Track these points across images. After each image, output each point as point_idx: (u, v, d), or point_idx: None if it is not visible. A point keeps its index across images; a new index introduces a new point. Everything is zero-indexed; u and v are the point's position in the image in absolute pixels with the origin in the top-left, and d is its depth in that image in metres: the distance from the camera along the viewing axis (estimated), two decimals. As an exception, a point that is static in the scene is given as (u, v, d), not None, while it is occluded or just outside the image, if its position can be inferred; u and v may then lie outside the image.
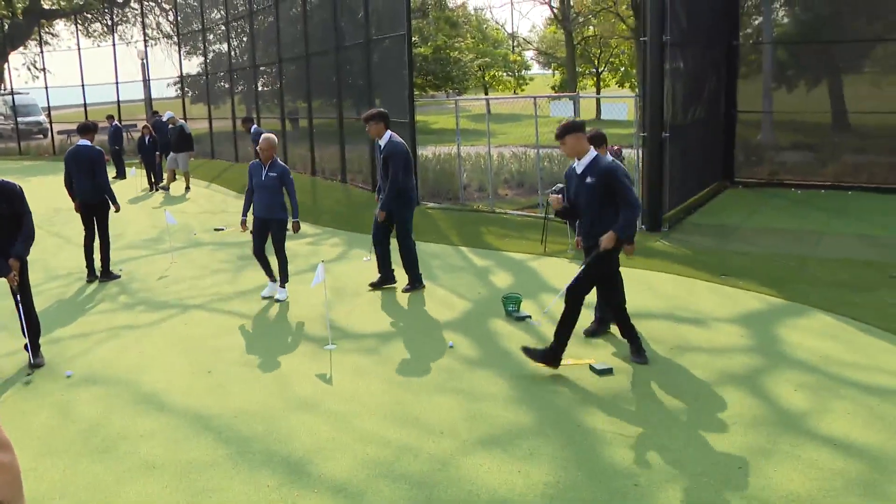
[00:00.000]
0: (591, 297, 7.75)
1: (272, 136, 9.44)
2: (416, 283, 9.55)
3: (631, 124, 13.09)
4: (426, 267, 10.30)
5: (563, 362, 6.77)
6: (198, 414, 6.19)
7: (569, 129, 6.68)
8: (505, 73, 59.27)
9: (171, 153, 20.72)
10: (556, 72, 59.43)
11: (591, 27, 52.50)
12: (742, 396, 6.08)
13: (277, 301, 9.39)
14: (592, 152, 6.72)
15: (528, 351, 6.74)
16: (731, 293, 8.79)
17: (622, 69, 53.54)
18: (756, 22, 16.91)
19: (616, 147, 16.11)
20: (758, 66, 16.55)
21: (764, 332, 7.54)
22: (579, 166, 6.72)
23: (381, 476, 5.06)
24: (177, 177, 21.54)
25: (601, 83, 56.12)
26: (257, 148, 9.47)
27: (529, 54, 65.90)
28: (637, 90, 16.00)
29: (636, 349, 6.95)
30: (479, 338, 7.68)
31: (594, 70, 55.80)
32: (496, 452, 5.31)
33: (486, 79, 56.96)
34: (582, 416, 5.84)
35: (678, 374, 6.57)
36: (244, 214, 9.59)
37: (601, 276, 6.83)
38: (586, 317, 7.72)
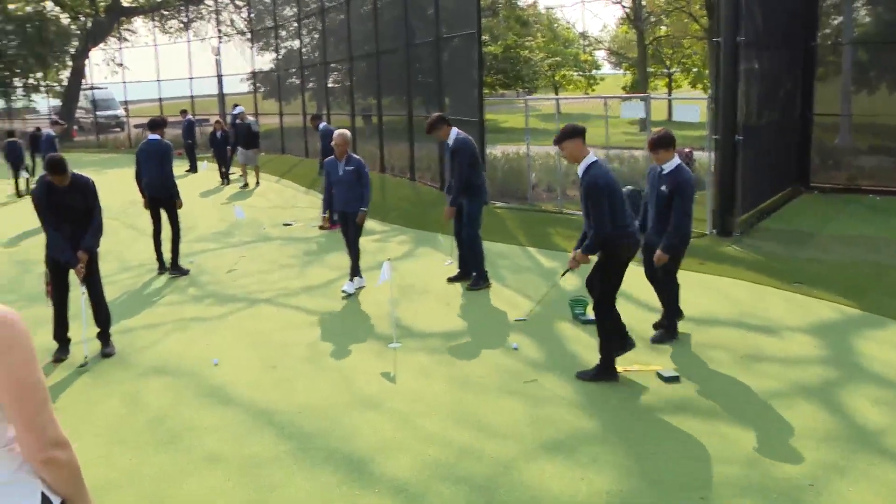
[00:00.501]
0: (657, 303, 7.63)
1: (346, 131, 9.58)
2: (480, 281, 9.54)
3: (703, 126, 12.82)
4: (493, 267, 10.25)
5: (629, 368, 6.67)
6: (262, 408, 6.24)
7: (568, 134, 6.51)
8: (575, 73, 58.84)
9: (240, 148, 20.77)
10: (627, 72, 58.78)
11: (663, 27, 51.80)
12: (815, 410, 5.89)
13: (344, 292, 9.46)
14: (591, 157, 6.48)
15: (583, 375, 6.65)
16: (805, 302, 8.56)
17: (695, 70, 52.71)
18: (835, 22, 16.45)
19: (687, 150, 15.88)
20: (836, 68, 16.07)
21: (839, 343, 7.31)
22: (579, 170, 6.51)
23: (442, 477, 5.03)
24: (244, 171, 21.57)
25: (673, 84, 55.35)
26: (332, 144, 9.55)
27: (600, 54, 65.30)
28: (709, 92, 15.72)
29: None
30: (544, 340, 7.60)
31: (666, 71, 55.07)
32: (559, 458, 5.23)
33: (556, 78, 56.61)
34: (647, 424, 5.73)
35: (748, 384, 6.40)
36: (325, 211, 9.76)
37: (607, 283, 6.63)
38: (651, 323, 7.60)
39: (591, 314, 8.12)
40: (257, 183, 20.92)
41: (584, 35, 66.02)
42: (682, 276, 7.70)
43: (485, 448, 5.41)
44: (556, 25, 63.03)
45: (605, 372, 6.56)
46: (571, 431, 5.63)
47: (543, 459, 5.22)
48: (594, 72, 61.26)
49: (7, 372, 2.14)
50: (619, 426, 5.69)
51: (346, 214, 9.56)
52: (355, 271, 9.67)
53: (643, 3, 47.60)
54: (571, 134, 6.51)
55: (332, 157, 9.59)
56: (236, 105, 22.79)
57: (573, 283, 9.63)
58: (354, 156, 9.53)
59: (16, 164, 20.61)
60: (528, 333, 7.78)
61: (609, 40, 67.28)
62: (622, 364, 6.72)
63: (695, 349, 7.17)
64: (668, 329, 7.47)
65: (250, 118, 21.85)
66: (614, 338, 6.62)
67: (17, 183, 20.83)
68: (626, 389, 6.34)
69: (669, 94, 51.57)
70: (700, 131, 15.96)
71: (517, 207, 14.99)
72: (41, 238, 7.56)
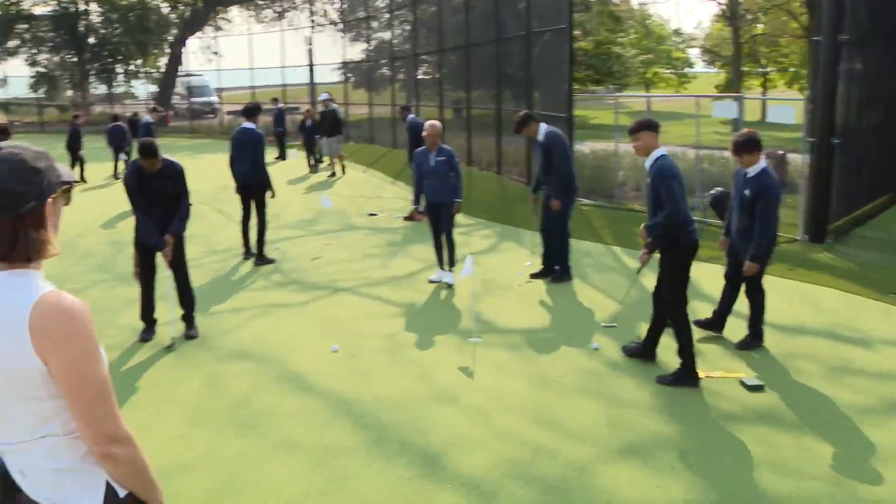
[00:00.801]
0: (740, 307, 7.43)
1: (437, 122, 9.65)
2: (563, 275, 9.48)
3: (799, 128, 12.45)
4: (577, 265, 10.15)
5: (711, 374, 6.52)
6: (340, 397, 6.29)
7: (645, 125, 6.53)
8: (667, 71, 57.83)
9: (325, 137, 20.63)
10: (720, 70, 57.49)
11: (759, 25, 50.48)
12: (907, 427, 5.67)
13: (449, 285, 9.49)
14: (661, 150, 6.50)
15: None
16: (900, 313, 8.24)
17: (791, 70, 51.24)
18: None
19: (781, 152, 15.45)
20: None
21: (935, 358, 7.02)
22: (647, 162, 6.56)
23: (516, 477, 4.99)
24: (332, 161, 21.36)
25: (768, 84, 53.93)
26: (423, 135, 9.60)
27: (694, 51, 64.02)
28: (806, 93, 15.24)
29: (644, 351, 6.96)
30: (626, 341, 7.47)
31: (761, 70, 53.68)
32: (635, 463, 5.14)
33: (647, 75, 55.76)
34: (728, 433, 5.58)
35: (836, 397, 6.18)
36: (416, 202, 9.85)
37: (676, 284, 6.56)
38: (737, 329, 7.41)
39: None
40: (343, 172, 20.97)
41: (677, 32, 64.88)
42: (770, 283, 7.49)
43: (560, 448, 5.36)
44: (649, 22, 62.01)
45: (685, 376, 6.43)
46: (649, 436, 5.53)
47: (619, 464, 5.14)
48: (686, 70, 60.12)
49: (64, 363, 2.14)
50: (698, 433, 5.57)
51: (437, 205, 9.58)
52: (452, 262, 9.68)
53: (740, 0, 46.50)
54: (648, 126, 6.52)
55: (423, 147, 9.62)
56: (323, 93, 22.80)
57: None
58: (445, 146, 9.56)
59: (118, 148, 21.26)
60: (611, 334, 7.67)
61: (703, 38, 65.94)
62: (705, 369, 6.58)
63: (781, 358, 6.97)
64: (753, 335, 7.28)
65: (335, 106, 21.67)
66: (691, 341, 6.50)
67: (116, 165, 21.50)
68: (708, 396, 6.20)
69: (764, 94, 50.28)
70: (795, 133, 15.49)
71: (604, 205, 14.81)
72: (132, 220, 7.75)
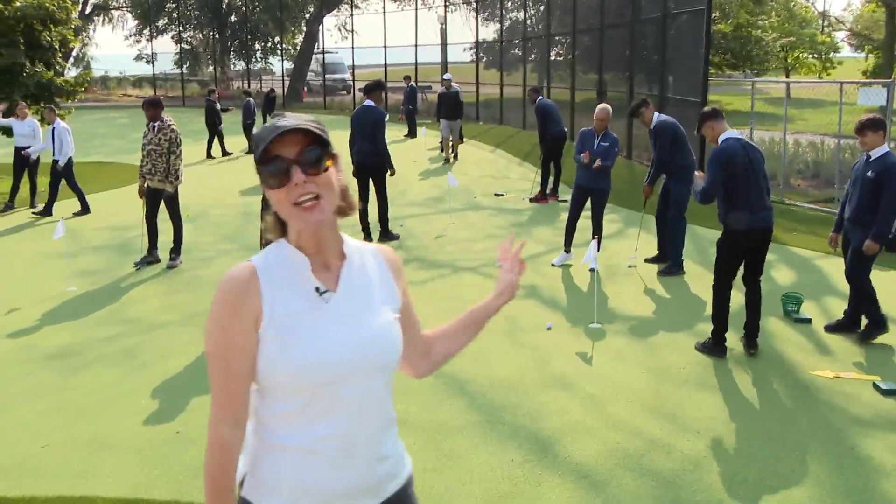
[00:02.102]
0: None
1: (608, 106, 9.64)
2: (674, 268, 9.23)
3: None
4: (704, 253, 9.87)
5: (842, 375, 6.23)
6: (454, 377, 6.30)
7: (876, 125, 6.73)
8: (810, 55, 55.37)
9: (442, 120, 19.65)
10: (869, 55, 54.68)
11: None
12: None
13: (590, 270, 9.33)
14: (884, 147, 6.71)
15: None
16: None
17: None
18: None
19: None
20: None
21: None
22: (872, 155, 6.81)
23: (628, 468, 4.89)
24: (447, 145, 20.09)
25: (923, 71, 51.03)
26: (594, 117, 9.56)
27: (840, 35, 61.07)
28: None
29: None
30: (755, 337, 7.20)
31: (916, 55, 50.76)
32: (754, 463, 4.95)
33: (788, 60, 53.56)
34: (857, 438, 5.31)
35: (979, 406, 5.81)
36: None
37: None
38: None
39: (805, 312, 7.66)
40: (455, 157, 19.80)
41: (824, 14, 62.03)
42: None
43: (675, 443, 5.22)
44: (793, 4, 59.51)
45: (712, 347, 6.70)
46: (771, 436, 5.32)
47: (736, 462, 4.96)
48: (832, 55, 57.42)
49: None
50: (824, 437, 5.31)
51: (587, 190, 9.54)
52: (598, 247, 9.54)
53: (896, -20, 44.05)
54: (881, 125, 6.82)
55: (590, 128, 9.57)
56: (445, 73, 22.42)
57: (788, 277, 9.10)
58: (612, 133, 9.51)
59: (248, 122, 21.89)
60: (736, 328, 7.31)
61: (852, 20, 62.83)
62: (835, 369, 6.30)
63: (920, 362, 6.59)
64: (874, 324, 6.92)
65: (457, 87, 20.70)
66: (722, 318, 6.68)
67: (248, 139, 22.18)
68: (837, 398, 5.91)
69: (918, 81, 47.56)
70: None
71: (735, 194, 14.30)
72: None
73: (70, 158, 13.25)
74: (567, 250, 9.73)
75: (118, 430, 5.50)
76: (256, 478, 2.12)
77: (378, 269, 2.22)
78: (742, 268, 6.71)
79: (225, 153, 21.38)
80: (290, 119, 2.00)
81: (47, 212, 13.36)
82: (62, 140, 13.09)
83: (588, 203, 9.62)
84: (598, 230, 9.51)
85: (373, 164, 10.74)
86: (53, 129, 13.13)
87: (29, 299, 8.60)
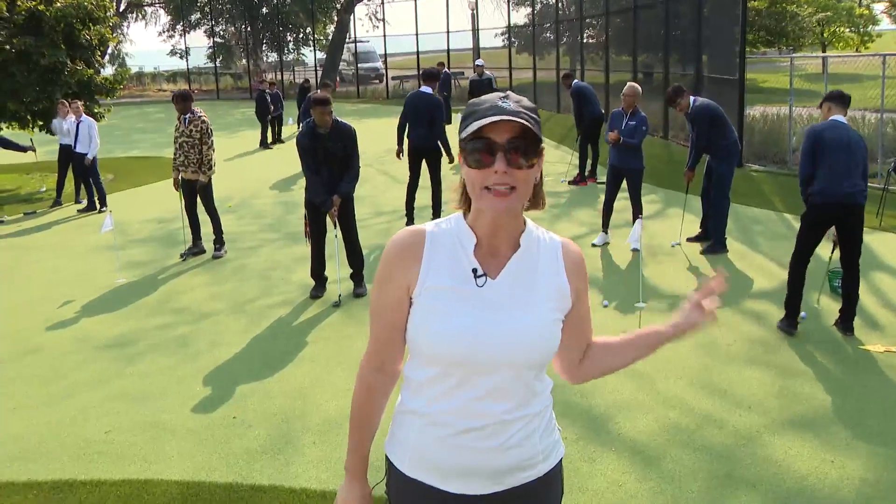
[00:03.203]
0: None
1: (637, 85, 9.67)
2: (717, 246, 9.21)
3: None
4: (746, 232, 9.84)
5: (893, 349, 6.21)
6: (504, 358, 6.34)
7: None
8: (848, 29, 54.47)
9: None
10: (909, 28, 53.58)
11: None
12: None
13: (633, 250, 9.41)
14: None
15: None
16: None
17: None
18: None
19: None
20: None
21: None
22: None
23: (681, 443, 4.93)
24: None
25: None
26: (621, 95, 9.62)
27: (879, 7, 59.96)
28: None
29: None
30: (795, 312, 7.18)
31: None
32: (808, 437, 4.97)
33: (824, 35, 52.76)
34: (912, 410, 5.30)
35: None
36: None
37: None
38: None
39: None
40: None
41: (861, -13, 60.94)
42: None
43: (727, 418, 5.24)
44: (829, -22, 58.53)
45: (785, 323, 6.70)
46: (823, 410, 5.32)
47: (790, 436, 4.98)
48: (870, 28, 56.44)
49: None
50: (880, 410, 5.30)
51: (619, 170, 9.60)
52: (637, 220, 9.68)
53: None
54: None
55: (620, 109, 9.61)
56: (478, 59, 21.87)
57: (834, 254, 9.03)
58: (641, 112, 9.53)
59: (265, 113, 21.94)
60: (781, 303, 7.31)
61: (890, -7, 61.65)
62: (886, 343, 6.27)
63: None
64: None
65: (490, 74, 20.42)
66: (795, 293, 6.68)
67: (280, 130, 22.27)
68: (890, 371, 5.88)
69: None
70: None
71: (775, 171, 14.23)
72: (304, 181, 8.05)
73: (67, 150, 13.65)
74: (605, 230, 9.79)
75: (177, 415, 5.62)
76: (394, 434, 2.21)
77: (553, 265, 2.14)
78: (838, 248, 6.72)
79: (275, 141, 21.56)
80: (512, 103, 1.92)
81: (92, 207, 13.58)
82: (90, 135, 13.31)
83: (624, 184, 9.63)
84: (637, 210, 9.56)
85: (429, 149, 10.83)
86: (79, 123, 13.36)
87: (81, 291, 8.78)
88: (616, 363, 2.37)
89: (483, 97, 1.98)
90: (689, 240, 9.63)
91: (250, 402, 5.77)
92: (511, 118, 1.87)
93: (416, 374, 2.13)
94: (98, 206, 13.55)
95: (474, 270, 2.03)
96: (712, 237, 9.30)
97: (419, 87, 11.21)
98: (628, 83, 9.73)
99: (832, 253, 7.12)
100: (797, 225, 10.33)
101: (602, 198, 10.08)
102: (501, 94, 1.96)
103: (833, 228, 6.61)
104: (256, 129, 22.02)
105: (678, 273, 8.54)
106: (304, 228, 8.33)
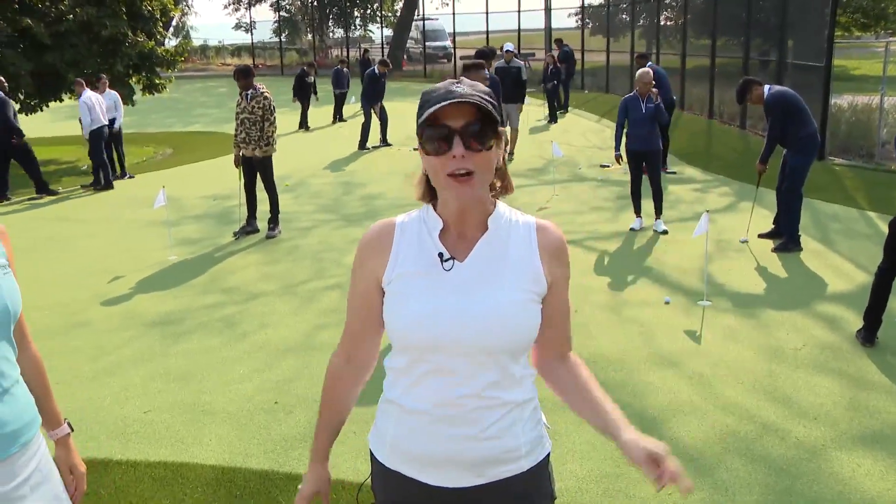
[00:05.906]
0: None
1: (649, 70, 9.67)
2: (789, 244, 8.76)
3: None
4: (823, 230, 9.37)
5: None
6: (556, 352, 6.10)
7: None
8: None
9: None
10: None
11: None
12: None
13: (661, 233, 9.43)
14: None
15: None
16: None
17: None
18: None
19: None
20: None
21: None
22: None
23: (738, 453, 4.62)
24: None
25: None
26: (636, 80, 9.64)
27: None
28: None
29: None
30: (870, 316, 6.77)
31: None
32: (879, 454, 4.61)
33: (927, 19, 50.47)
34: None
35: None
36: (618, 150, 9.86)
37: None
38: None
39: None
40: (510, 155, 15.54)
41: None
42: None
43: (791, 428, 4.91)
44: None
45: (863, 334, 6.24)
46: (896, 424, 4.96)
47: (858, 452, 4.64)
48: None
49: None
50: (956, 426, 4.92)
51: (641, 154, 9.58)
52: (660, 210, 9.71)
53: None
54: None
55: (634, 93, 9.60)
56: (507, 43, 18.68)
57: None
58: (653, 97, 9.55)
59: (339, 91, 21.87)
60: (859, 307, 6.84)
61: None
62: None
63: None
64: None
65: (520, 62, 16.69)
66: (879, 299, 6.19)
67: (341, 109, 22.18)
68: (971, 385, 5.49)
69: None
70: None
71: (860, 166, 13.57)
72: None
73: (101, 128, 13.48)
74: (638, 215, 9.84)
75: (218, 397, 5.52)
76: (376, 426, 2.20)
77: (525, 245, 2.08)
78: None
79: (336, 121, 21.58)
80: (466, 87, 1.91)
81: (100, 183, 13.59)
82: (99, 109, 13.34)
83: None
84: (657, 193, 9.59)
85: None
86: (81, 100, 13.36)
87: (131, 267, 8.78)
88: (576, 407, 2.27)
89: (437, 84, 1.98)
90: (760, 236, 9.22)
91: (293, 388, 5.64)
92: (464, 100, 1.86)
93: (392, 363, 2.12)
94: (102, 181, 13.57)
95: (440, 255, 2.02)
96: (784, 234, 8.87)
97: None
98: (641, 70, 9.72)
99: None
100: (881, 224, 9.89)
101: (671, 188, 9.75)
102: (454, 81, 1.96)
103: None
104: (319, 106, 21.91)
105: (745, 270, 8.15)
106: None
